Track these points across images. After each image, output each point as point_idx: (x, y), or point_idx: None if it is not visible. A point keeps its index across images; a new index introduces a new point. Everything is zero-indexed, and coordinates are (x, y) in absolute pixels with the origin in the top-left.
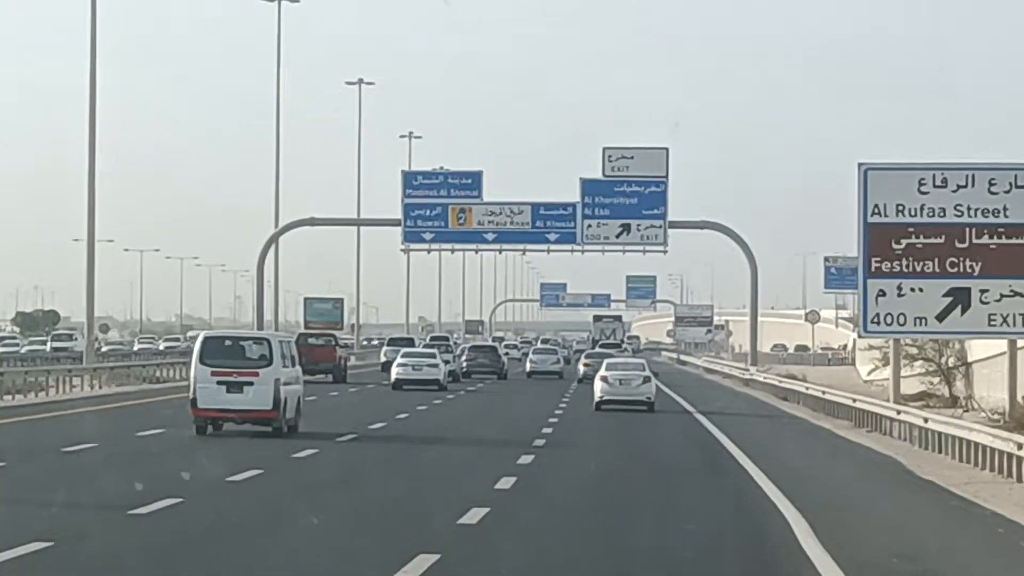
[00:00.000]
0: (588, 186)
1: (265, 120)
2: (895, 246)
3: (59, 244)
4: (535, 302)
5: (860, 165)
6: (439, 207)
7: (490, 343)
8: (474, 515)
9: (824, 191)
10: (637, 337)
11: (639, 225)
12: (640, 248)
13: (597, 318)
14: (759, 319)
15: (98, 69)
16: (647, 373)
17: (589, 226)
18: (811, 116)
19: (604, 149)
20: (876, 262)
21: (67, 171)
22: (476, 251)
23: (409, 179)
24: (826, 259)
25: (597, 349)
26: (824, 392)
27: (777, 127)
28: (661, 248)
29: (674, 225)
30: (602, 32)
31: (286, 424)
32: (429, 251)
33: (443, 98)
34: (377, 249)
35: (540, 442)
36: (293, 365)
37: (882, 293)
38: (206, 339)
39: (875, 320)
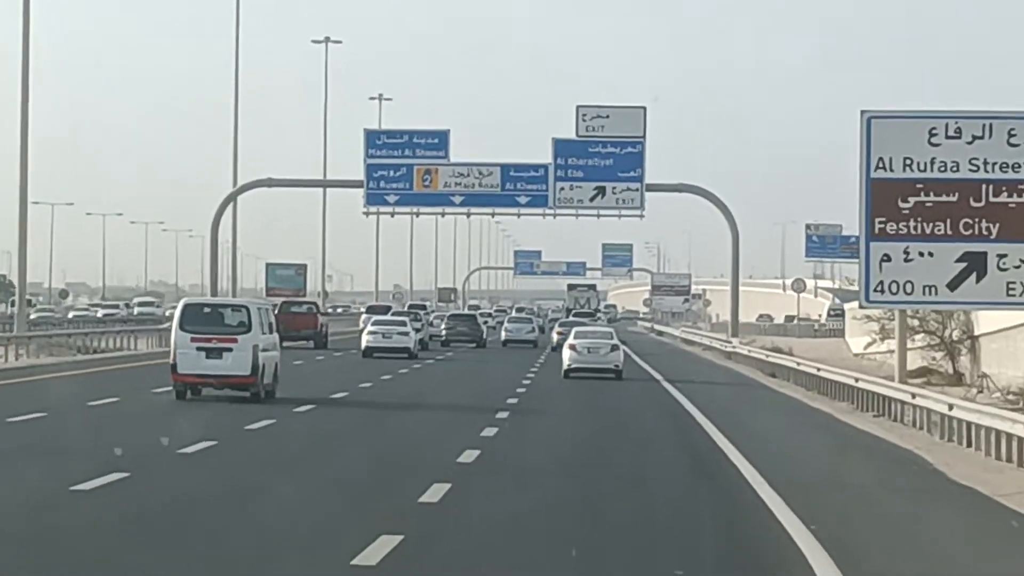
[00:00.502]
0: (561, 146)
1: (228, 82)
2: (902, 205)
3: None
4: (509, 270)
5: (863, 113)
6: (404, 168)
7: (469, 311)
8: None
9: (804, 158)
10: (614, 306)
11: (614, 188)
12: (615, 212)
13: (571, 287)
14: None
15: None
16: (615, 342)
17: (562, 189)
18: (796, 78)
19: (578, 108)
20: (880, 223)
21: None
22: (442, 214)
23: (372, 138)
24: (807, 227)
25: (571, 318)
26: (819, 369)
27: (761, 91)
28: (637, 212)
29: (651, 188)
30: None
31: (263, 389)
32: (393, 214)
33: (410, 56)
34: (344, 213)
35: (504, 414)
36: (271, 332)
37: (886, 258)
38: (186, 306)
39: (878, 288)
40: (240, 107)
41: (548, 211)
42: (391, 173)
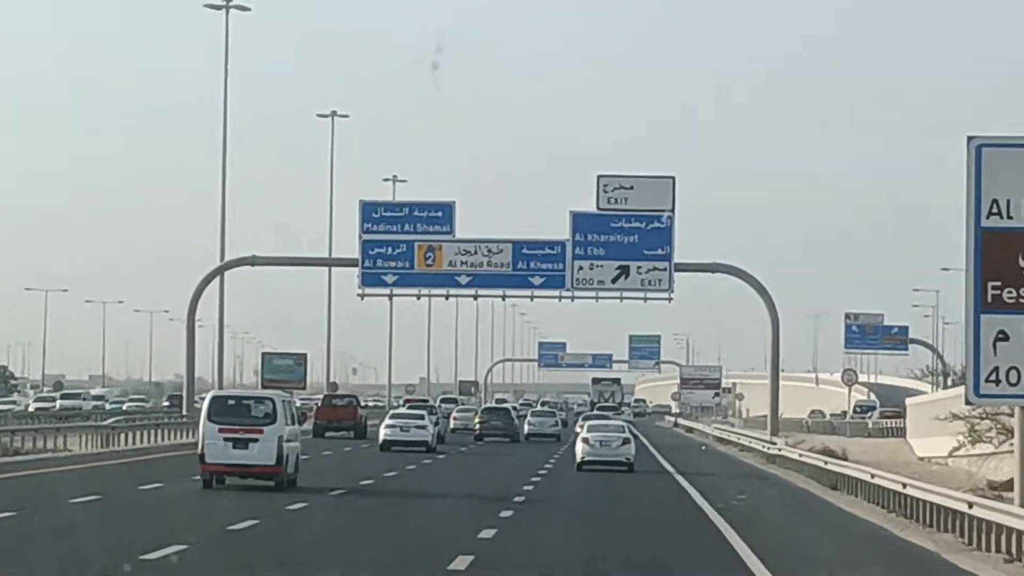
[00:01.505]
0: (580, 221)
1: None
2: None
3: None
4: (533, 361)
5: (970, 140)
6: (404, 245)
7: (504, 405)
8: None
9: (838, 243)
10: (643, 401)
11: (639, 267)
12: (640, 295)
13: (596, 380)
14: (766, 382)
15: None
16: (627, 435)
17: (580, 268)
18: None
19: (599, 178)
20: (995, 289)
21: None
22: (447, 296)
23: (368, 211)
24: (847, 316)
25: (595, 412)
26: (905, 486)
27: (791, 163)
28: (665, 295)
29: (680, 268)
30: (596, 44)
31: (287, 479)
32: (391, 296)
33: (410, 123)
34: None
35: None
36: (294, 423)
37: (1002, 336)
38: (213, 398)
39: (992, 378)
40: (232, 184)
41: (565, 293)
42: (390, 250)
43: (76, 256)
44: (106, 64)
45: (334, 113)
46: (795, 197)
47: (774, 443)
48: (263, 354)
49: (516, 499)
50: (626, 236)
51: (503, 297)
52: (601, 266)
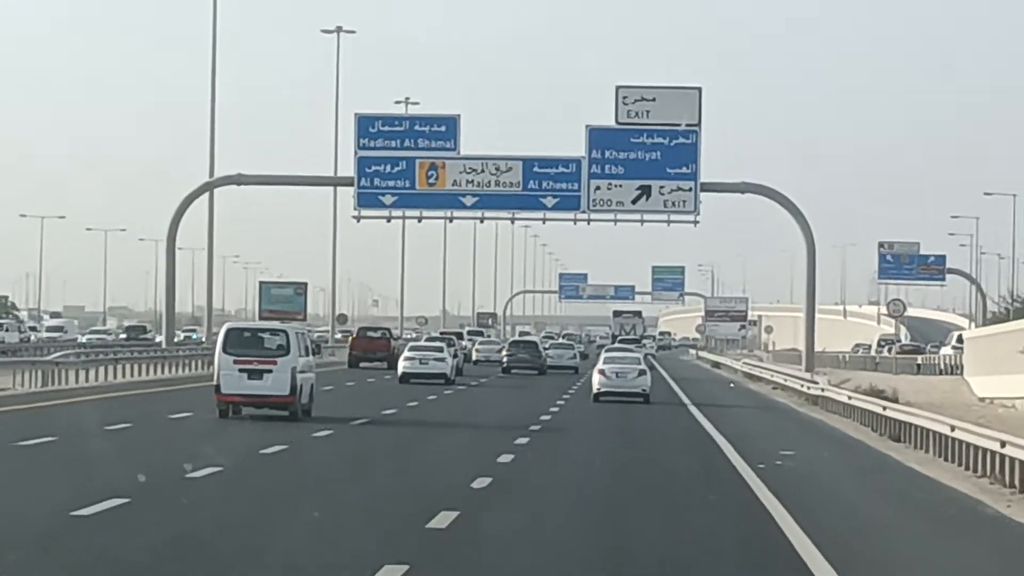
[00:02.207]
0: (597, 136)
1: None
2: None
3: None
4: (554, 293)
5: None
6: (403, 162)
7: (530, 338)
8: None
9: (869, 167)
10: (669, 333)
11: (662, 187)
12: (663, 217)
13: (617, 313)
14: (793, 315)
15: None
16: (643, 367)
17: (597, 188)
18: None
19: (618, 89)
20: None
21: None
22: (451, 218)
23: (365, 125)
24: (881, 245)
25: (616, 345)
26: (1004, 444)
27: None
28: (690, 217)
29: (707, 188)
30: None
31: (301, 409)
32: (390, 218)
33: (417, 35)
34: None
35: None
36: (308, 355)
37: None
38: (228, 330)
39: None
40: (231, 104)
41: (581, 215)
42: (388, 168)
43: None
44: None
45: (339, 29)
46: (826, 117)
47: (815, 382)
48: (261, 283)
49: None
50: (648, 153)
51: (512, 220)
52: (620, 186)
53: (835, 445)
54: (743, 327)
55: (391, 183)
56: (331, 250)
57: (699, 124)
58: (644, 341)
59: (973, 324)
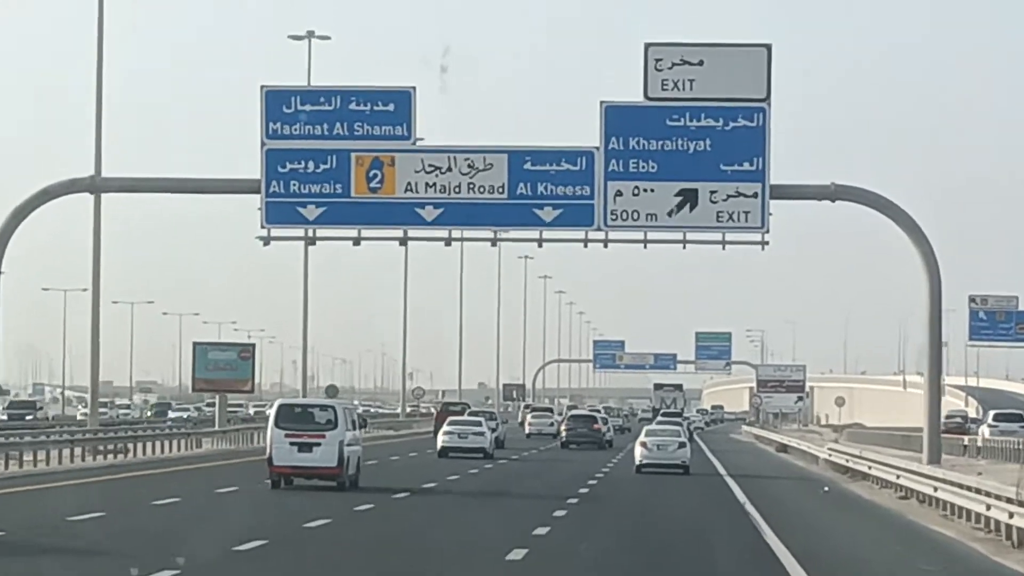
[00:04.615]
0: (617, 117)
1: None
2: None
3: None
4: (588, 362)
5: None
6: (333, 157)
7: (589, 412)
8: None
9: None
10: (722, 407)
11: (714, 192)
12: (715, 232)
13: (658, 386)
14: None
15: None
16: (683, 439)
17: (619, 193)
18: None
19: (647, 48)
20: None
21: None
22: (403, 239)
23: (275, 104)
24: (972, 299)
25: (658, 419)
26: None
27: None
28: (757, 235)
29: (780, 193)
30: None
31: (348, 480)
32: (313, 238)
33: None
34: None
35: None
36: (355, 429)
37: None
38: (280, 406)
39: None
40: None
41: (594, 233)
42: (311, 166)
43: None
44: None
45: (310, 34)
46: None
47: (1000, 496)
48: (195, 344)
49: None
50: (692, 141)
51: (494, 240)
52: (651, 190)
53: None
54: (800, 398)
55: (315, 187)
56: (300, 301)
57: (768, 99)
58: (687, 417)
59: None
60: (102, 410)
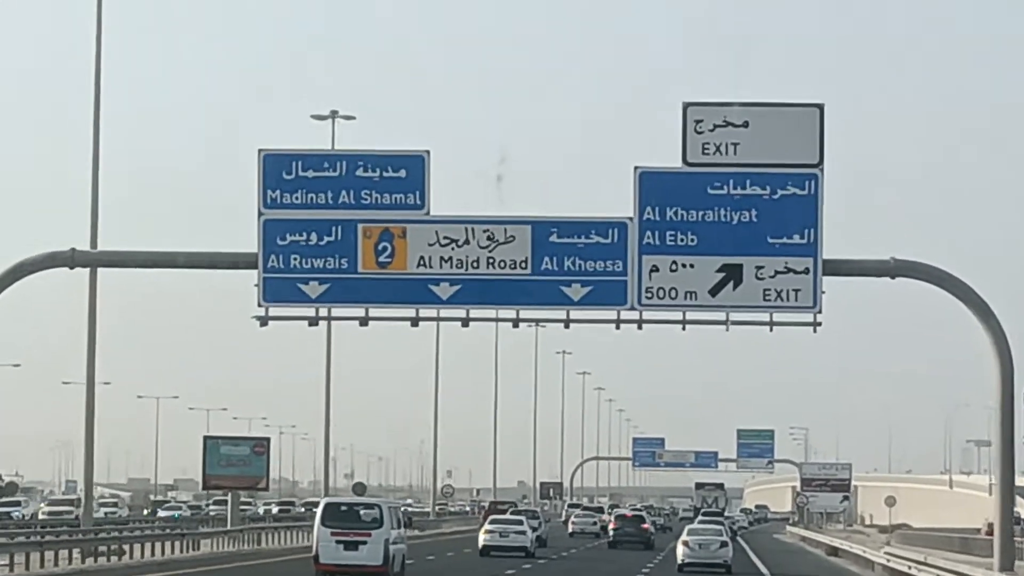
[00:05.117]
0: (653, 185)
1: None
2: None
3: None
4: (627, 460)
5: None
6: (339, 228)
7: (637, 512)
8: None
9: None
10: (766, 506)
11: (760, 267)
12: (762, 312)
13: (699, 485)
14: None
15: None
16: (724, 538)
17: (654, 269)
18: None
19: (687, 108)
20: None
21: None
22: (415, 320)
23: (274, 170)
24: None
25: (700, 518)
26: None
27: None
28: (808, 314)
29: (834, 269)
30: None
31: None
32: (316, 320)
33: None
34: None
35: None
36: (400, 527)
37: None
38: (327, 505)
39: None
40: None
41: (627, 313)
42: (314, 238)
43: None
44: None
45: (334, 114)
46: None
47: None
48: (206, 439)
49: None
50: (736, 211)
51: (516, 320)
52: (691, 265)
53: None
54: (846, 497)
55: (318, 261)
56: (323, 389)
57: (820, 164)
58: (730, 515)
59: None
60: (68, 508)
